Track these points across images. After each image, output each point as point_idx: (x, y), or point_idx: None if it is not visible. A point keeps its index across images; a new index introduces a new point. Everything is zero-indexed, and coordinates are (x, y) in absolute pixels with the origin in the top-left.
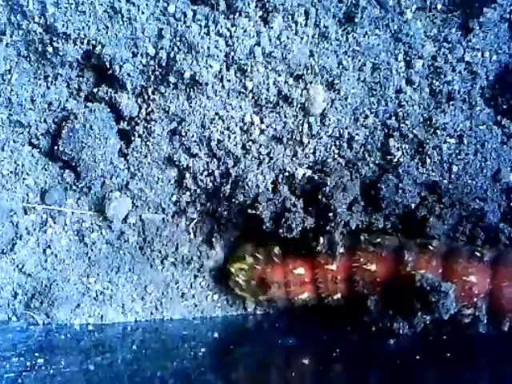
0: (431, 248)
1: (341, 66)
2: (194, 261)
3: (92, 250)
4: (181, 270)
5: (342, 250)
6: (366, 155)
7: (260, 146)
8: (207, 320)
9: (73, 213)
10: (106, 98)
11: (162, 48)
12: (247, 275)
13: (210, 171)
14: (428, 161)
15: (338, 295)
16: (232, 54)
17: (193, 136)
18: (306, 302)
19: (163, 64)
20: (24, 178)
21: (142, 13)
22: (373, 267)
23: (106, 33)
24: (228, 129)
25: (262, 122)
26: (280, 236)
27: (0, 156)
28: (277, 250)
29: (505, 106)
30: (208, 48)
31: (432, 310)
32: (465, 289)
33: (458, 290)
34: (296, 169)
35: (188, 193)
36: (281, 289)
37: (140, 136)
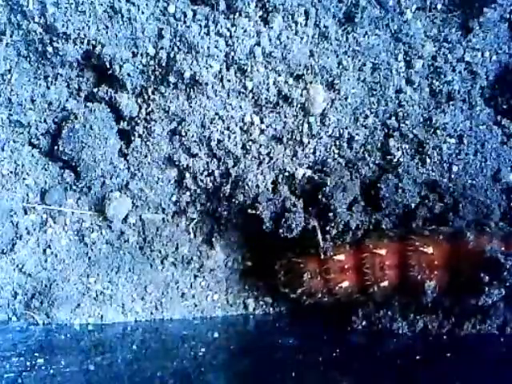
0: (489, 230)
1: (341, 66)
2: (194, 261)
3: (92, 249)
4: (181, 269)
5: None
6: (366, 155)
7: (260, 145)
8: (207, 320)
9: (73, 213)
10: (106, 98)
11: (162, 48)
12: (286, 269)
13: (210, 171)
14: (428, 161)
15: (385, 283)
16: (232, 53)
17: (193, 136)
18: (348, 292)
19: (163, 64)
20: (24, 178)
21: (142, 13)
22: (430, 250)
23: (106, 33)
24: (228, 129)
25: (262, 122)
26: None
27: (0, 156)
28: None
29: (505, 106)
30: (208, 48)
31: (504, 279)
32: None
33: None
34: (296, 169)
35: (188, 193)
36: (316, 279)
37: (140, 136)
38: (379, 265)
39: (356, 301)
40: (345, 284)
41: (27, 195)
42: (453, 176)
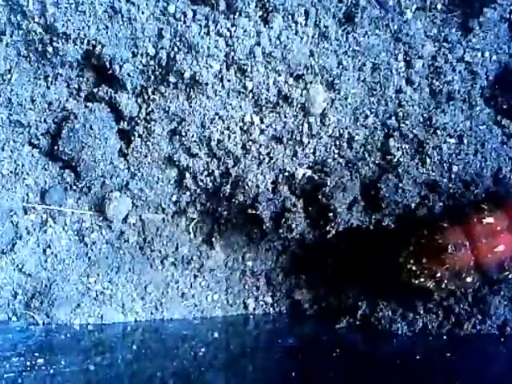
0: None
1: (341, 66)
2: (194, 261)
3: (92, 249)
4: (181, 269)
5: None
6: (366, 155)
7: (260, 145)
8: (207, 320)
9: (73, 213)
10: (106, 98)
11: (162, 48)
12: (416, 256)
13: (210, 171)
14: (428, 161)
15: None
16: (232, 53)
17: (193, 136)
18: (501, 260)
19: (163, 64)
20: (24, 178)
21: (142, 13)
22: None
23: (106, 33)
24: (228, 129)
25: (262, 122)
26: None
27: (0, 156)
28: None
29: (505, 106)
30: (208, 48)
31: None
32: None
33: None
34: (296, 169)
35: (188, 193)
36: (462, 250)
37: (140, 136)
38: None
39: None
40: (500, 248)
41: (27, 195)
42: (453, 176)
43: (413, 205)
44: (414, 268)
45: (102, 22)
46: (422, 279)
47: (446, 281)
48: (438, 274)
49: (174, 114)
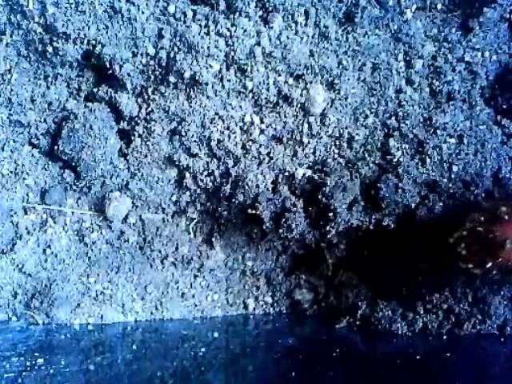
0: None
1: (341, 66)
2: (194, 261)
3: (92, 249)
4: (181, 269)
5: None
6: (366, 155)
7: (260, 146)
8: (207, 320)
9: (73, 213)
10: (106, 98)
11: (162, 48)
12: (469, 241)
13: (210, 171)
14: (428, 161)
15: None
16: (232, 54)
17: (193, 136)
18: None
19: (163, 64)
20: (24, 178)
21: (142, 13)
22: None
23: (106, 33)
24: (228, 129)
25: (262, 122)
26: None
27: (0, 156)
28: (504, 208)
29: (505, 106)
30: (208, 48)
31: None
32: None
33: None
34: (296, 169)
35: (188, 193)
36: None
37: (140, 136)
38: None
39: None
40: None
41: (27, 195)
42: (453, 176)
43: (413, 205)
44: (464, 253)
45: (102, 22)
46: (471, 266)
47: (494, 272)
48: (489, 265)
49: (174, 114)
